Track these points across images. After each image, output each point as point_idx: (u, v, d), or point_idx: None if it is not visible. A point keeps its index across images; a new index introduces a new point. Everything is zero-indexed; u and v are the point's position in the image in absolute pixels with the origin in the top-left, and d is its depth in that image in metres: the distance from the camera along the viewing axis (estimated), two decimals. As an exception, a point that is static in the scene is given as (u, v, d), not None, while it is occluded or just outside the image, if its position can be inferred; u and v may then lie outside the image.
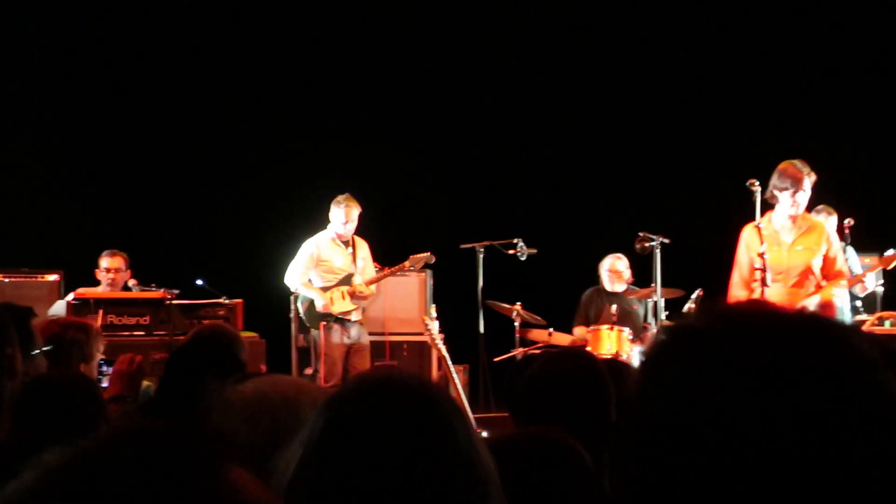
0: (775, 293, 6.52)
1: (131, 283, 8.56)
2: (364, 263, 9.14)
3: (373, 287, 9.10)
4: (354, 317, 9.02)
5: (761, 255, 6.50)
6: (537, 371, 3.30)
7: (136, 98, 11.08)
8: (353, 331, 8.99)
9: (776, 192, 6.61)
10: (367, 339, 9.12)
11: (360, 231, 9.15)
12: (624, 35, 11.22)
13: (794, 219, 6.69)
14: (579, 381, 3.13)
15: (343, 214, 8.91)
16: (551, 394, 3.13)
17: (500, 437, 2.38)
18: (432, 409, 1.60)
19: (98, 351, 4.32)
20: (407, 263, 9.17)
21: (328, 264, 9.00)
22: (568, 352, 3.89)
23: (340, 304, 8.96)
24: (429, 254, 9.15)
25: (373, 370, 3.70)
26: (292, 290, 9.08)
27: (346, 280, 9.02)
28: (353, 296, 8.99)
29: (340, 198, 9.00)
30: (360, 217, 9.00)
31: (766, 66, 11.02)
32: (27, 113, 10.82)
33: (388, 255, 9.38)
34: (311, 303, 8.98)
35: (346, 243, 9.08)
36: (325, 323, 8.89)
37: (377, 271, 9.21)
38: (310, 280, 9.02)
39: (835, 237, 7.02)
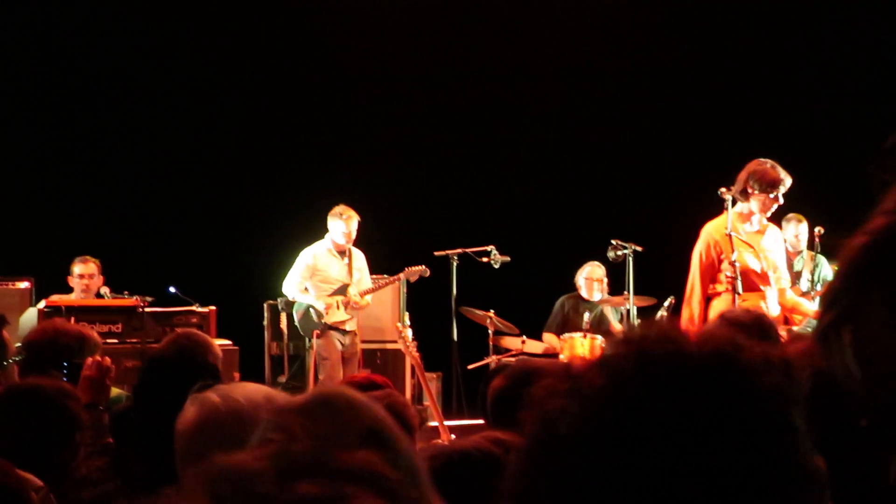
0: (770, 299, 6.46)
1: (104, 290, 8.51)
2: (360, 275, 9.19)
3: (368, 298, 9.17)
4: (349, 326, 9.08)
5: (733, 263, 6.35)
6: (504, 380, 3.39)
7: (108, 102, 11.02)
8: (347, 339, 9.05)
9: (753, 192, 6.38)
10: (357, 348, 9.17)
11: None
12: (597, 42, 11.27)
13: (760, 221, 6.60)
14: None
15: (344, 226, 8.97)
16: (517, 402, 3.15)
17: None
18: None
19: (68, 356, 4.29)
20: (402, 275, 9.23)
21: (324, 274, 9.04)
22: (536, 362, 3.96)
23: (335, 314, 9.01)
24: (423, 267, 9.20)
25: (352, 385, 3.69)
26: (290, 298, 9.11)
27: (342, 290, 9.04)
28: (348, 306, 9.04)
29: (339, 209, 9.04)
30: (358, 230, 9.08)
31: (737, 74, 11.10)
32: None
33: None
34: (307, 311, 9.01)
35: (342, 253, 9.11)
36: (318, 331, 8.93)
37: (373, 282, 9.26)
38: (306, 288, 9.06)
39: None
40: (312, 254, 9.09)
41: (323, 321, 8.96)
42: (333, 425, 1.60)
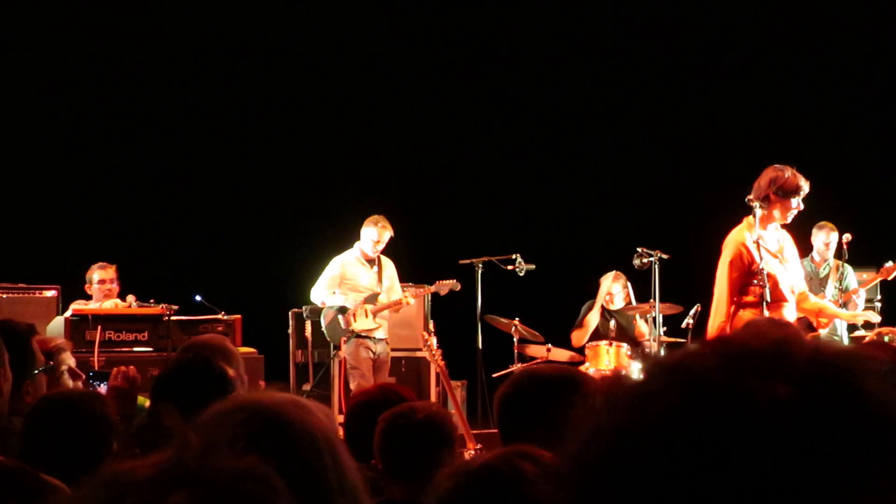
0: (790, 310, 6.38)
1: (130, 298, 8.54)
2: (390, 283, 9.17)
3: (410, 299, 9.10)
4: (379, 334, 9.05)
5: (761, 272, 6.27)
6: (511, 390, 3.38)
7: (134, 112, 11.08)
8: (379, 347, 9.03)
9: (775, 199, 6.25)
10: (388, 356, 9.15)
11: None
12: (621, 50, 11.25)
13: (776, 228, 6.52)
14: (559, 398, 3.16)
15: (376, 234, 8.95)
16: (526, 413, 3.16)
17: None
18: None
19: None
20: (433, 288, 9.22)
21: (353, 282, 9.03)
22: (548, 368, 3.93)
23: (363, 322, 8.98)
24: (454, 281, 9.19)
25: (378, 394, 3.67)
26: (318, 305, 9.10)
27: (372, 299, 9.03)
28: (377, 314, 9.03)
29: (376, 218, 9.02)
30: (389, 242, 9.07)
31: (763, 81, 11.05)
32: (24, 128, 10.81)
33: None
34: (334, 318, 9.01)
35: (370, 262, 9.10)
36: (346, 339, 8.91)
37: (403, 290, 9.23)
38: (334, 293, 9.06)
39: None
40: (340, 262, 9.09)
41: (351, 328, 8.95)
42: (237, 431, 1.58)
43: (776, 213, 6.36)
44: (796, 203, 6.31)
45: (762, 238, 6.35)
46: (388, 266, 9.21)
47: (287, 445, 1.58)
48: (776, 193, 6.28)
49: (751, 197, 6.38)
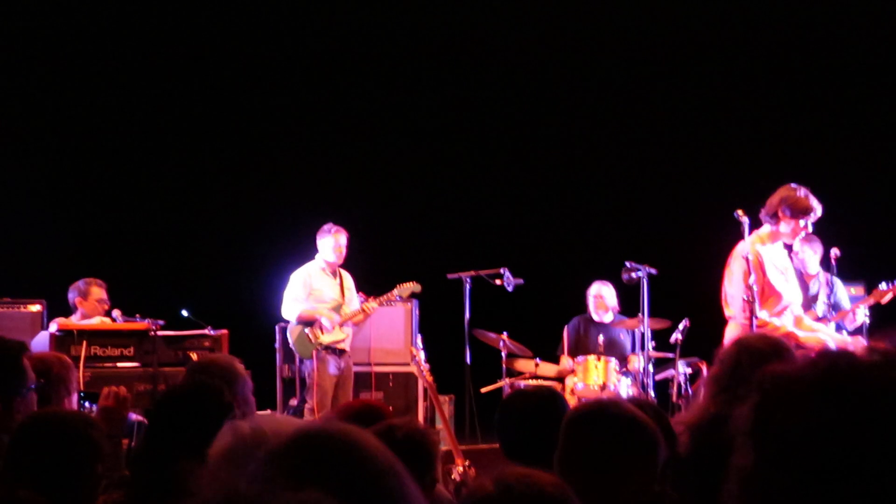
0: (789, 322, 6.39)
1: (115, 313, 8.48)
2: (350, 294, 9.16)
3: (373, 304, 9.09)
4: (345, 346, 9.01)
5: (750, 287, 6.29)
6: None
7: (117, 124, 11.04)
8: (343, 362, 8.99)
9: (784, 217, 6.33)
10: (352, 369, 9.12)
11: (346, 261, 9.16)
12: (610, 61, 11.25)
13: (782, 246, 6.60)
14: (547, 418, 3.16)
15: (333, 241, 8.95)
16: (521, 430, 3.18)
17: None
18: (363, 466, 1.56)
19: (76, 383, 4.27)
20: (395, 292, 9.16)
21: (319, 294, 9.01)
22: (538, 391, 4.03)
23: (330, 334, 8.94)
24: (415, 283, 9.15)
25: (360, 409, 3.64)
26: (293, 321, 9.03)
27: (336, 310, 9.00)
28: (343, 325, 8.99)
29: (327, 227, 9.03)
30: (347, 246, 9.04)
31: (752, 96, 11.07)
32: (8, 142, 10.75)
33: (374, 285, 9.35)
34: (301, 332, 8.95)
35: (333, 273, 9.09)
36: (316, 352, 8.86)
37: (361, 302, 9.19)
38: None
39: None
40: (307, 272, 9.05)
41: (319, 341, 8.89)
42: (302, 467, 1.54)
43: (784, 230, 6.42)
44: (804, 223, 6.37)
45: (765, 254, 6.37)
46: (348, 278, 9.22)
47: (360, 474, 1.55)
48: (785, 212, 6.34)
49: (739, 211, 6.43)
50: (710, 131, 10.97)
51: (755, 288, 6.26)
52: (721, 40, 11.14)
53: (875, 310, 8.14)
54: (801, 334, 6.46)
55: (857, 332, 7.95)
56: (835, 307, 8.35)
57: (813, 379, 1.04)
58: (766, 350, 3.78)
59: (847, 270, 8.95)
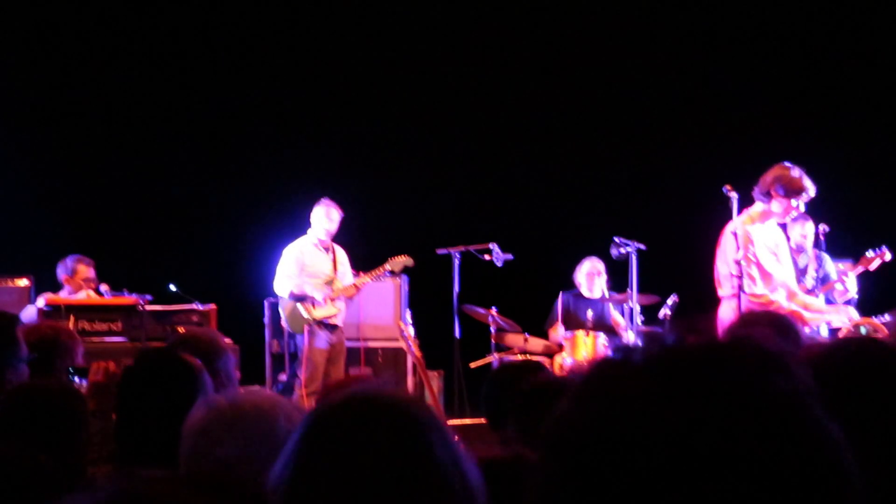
0: (784, 301, 6.40)
1: (103, 288, 8.46)
2: (343, 269, 9.15)
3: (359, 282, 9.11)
4: (337, 321, 9.01)
5: (738, 263, 6.29)
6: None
7: (105, 101, 10.98)
8: (335, 337, 8.99)
9: (777, 196, 6.32)
10: (344, 344, 9.12)
11: (336, 236, 9.15)
12: (600, 40, 11.22)
13: (774, 224, 6.57)
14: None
15: (325, 215, 8.93)
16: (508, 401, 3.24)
17: None
18: (411, 429, 1.59)
19: (80, 358, 4.26)
20: (387, 266, 9.15)
21: (312, 269, 8.99)
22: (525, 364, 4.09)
23: (323, 309, 8.93)
24: (406, 256, 9.14)
25: (352, 385, 3.64)
26: (285, 297, 9.01)
27: (328, 284, 8.99)
28: (335, 300, 8.99)
29: (321, 201, 9.01)
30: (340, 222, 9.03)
31: (741, 72, 11.05)
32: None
33: (364, 260, 9.35)
34: (294, 307, 8.94)
35: (326, 248, 9.07)
36: (308, 326, 8.85)
37: (354, 277, 9.19)
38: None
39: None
40: (299, 248, 9.03)
41: (311, 316, 8.88)
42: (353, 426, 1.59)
43: (776, 209, 6.40)
44: (797, 203, 6.35)
45: (755, 232, 6.36)
46: (341, 252, 9.19)
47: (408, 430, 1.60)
48: (778, 191, 6.32)
49: (728, 186, 6.42)
50: (700, 106, 10.95)
51: (743, 264, 6.26)
52: (710, 16, 11.12)
53: (863, 283, 8.17)
54: (807, 315, 6.46)
55: (847, 304, 7.97)
56: (823, 280, 8.38)
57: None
58: (771, 329, 3.76)
59: (835, 246, 8.98)
